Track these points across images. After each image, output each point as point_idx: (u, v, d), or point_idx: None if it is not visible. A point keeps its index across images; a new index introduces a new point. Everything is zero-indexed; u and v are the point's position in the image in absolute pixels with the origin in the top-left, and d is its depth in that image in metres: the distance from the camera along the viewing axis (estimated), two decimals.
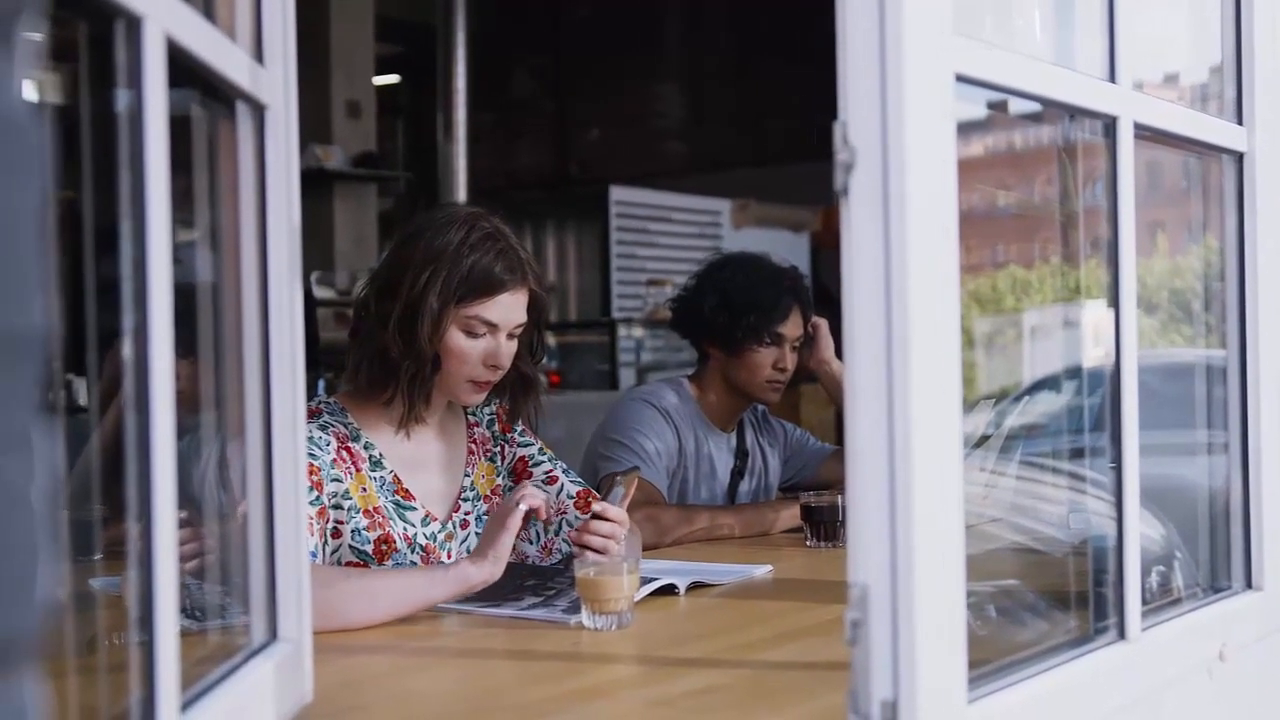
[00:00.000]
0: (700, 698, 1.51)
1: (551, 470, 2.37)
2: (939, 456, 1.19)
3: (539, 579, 2.14)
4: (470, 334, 2.16)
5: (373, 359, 2.18)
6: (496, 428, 2.38)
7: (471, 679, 1.67)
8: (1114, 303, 1.51)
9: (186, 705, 1.09)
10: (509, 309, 2.18)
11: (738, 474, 3.12)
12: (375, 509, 2.16)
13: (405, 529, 2.18)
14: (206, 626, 1.41)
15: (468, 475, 2.32)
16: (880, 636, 1.16)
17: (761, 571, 2.33)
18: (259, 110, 1.34)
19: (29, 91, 0.61)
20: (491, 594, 1.98)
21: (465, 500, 2.30)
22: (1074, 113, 1.54)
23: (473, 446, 2.34)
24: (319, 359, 4.86)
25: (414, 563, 2.17)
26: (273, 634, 1.37)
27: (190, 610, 1.31)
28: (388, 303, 2.16)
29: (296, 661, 1.39)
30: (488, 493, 2.33)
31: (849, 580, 1.17)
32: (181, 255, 1.13)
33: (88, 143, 1.02)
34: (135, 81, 0.98)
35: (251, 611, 1.36)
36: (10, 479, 0.56)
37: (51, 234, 0.61)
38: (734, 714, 1.47)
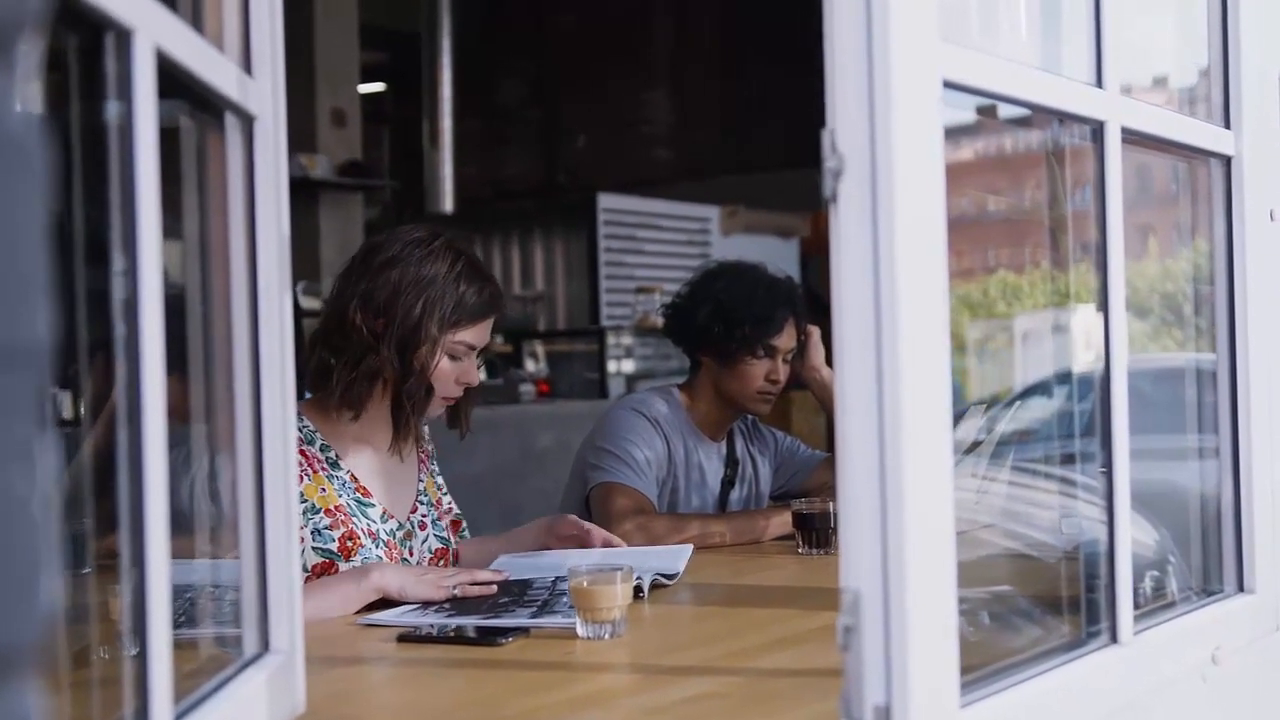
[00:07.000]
0: (696, 705, 1.51)
1: (444, 502, 2.49)
2: (930, 461, 1.19)
3: (529, 590, 2.14)
4: (452, 357, 2.28)
5: (363, 378, 2.24)
6: (431, 447, 2.50)
7: (465, 689, 1.66)
8: (1103, 306, 1.52)
9: (179, 717, 1.08)
10: (487, 333, 2.32)
11: (728, 483, 3.10)
12: (337, 507, 2.23)
13: (369, 525, 2.26)
14: (197, 635, 1.40)
15: (420, 481, 2.42)
16: (873, 642, 1.16)
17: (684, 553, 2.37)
18: (248, 121, 1.33)
19: (27, 105, 0.61)
20: (489, 609, 1.97)
21: (421, 503, 2.40)
22: (1062, 117, 1.55)
23: (423, 456, 2.46)
24: (304, 370, 4.85)
25: (379, 557, 2.24)
26: (265, 645, 1.36)
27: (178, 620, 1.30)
28: (374, 322, 2.22)
29: (288, 673, 1.39)
30: (435, 500, 2.44)
31: (841, 586, 1.17)
32: (169, 266, 1.13)
33: (76, 153, 1.02)
34: (125, 93, 0.98)
35: (244, 623, 1.35)
36: (13, 489, 0.56)
37: (52, 246, 0.61)
38: None
